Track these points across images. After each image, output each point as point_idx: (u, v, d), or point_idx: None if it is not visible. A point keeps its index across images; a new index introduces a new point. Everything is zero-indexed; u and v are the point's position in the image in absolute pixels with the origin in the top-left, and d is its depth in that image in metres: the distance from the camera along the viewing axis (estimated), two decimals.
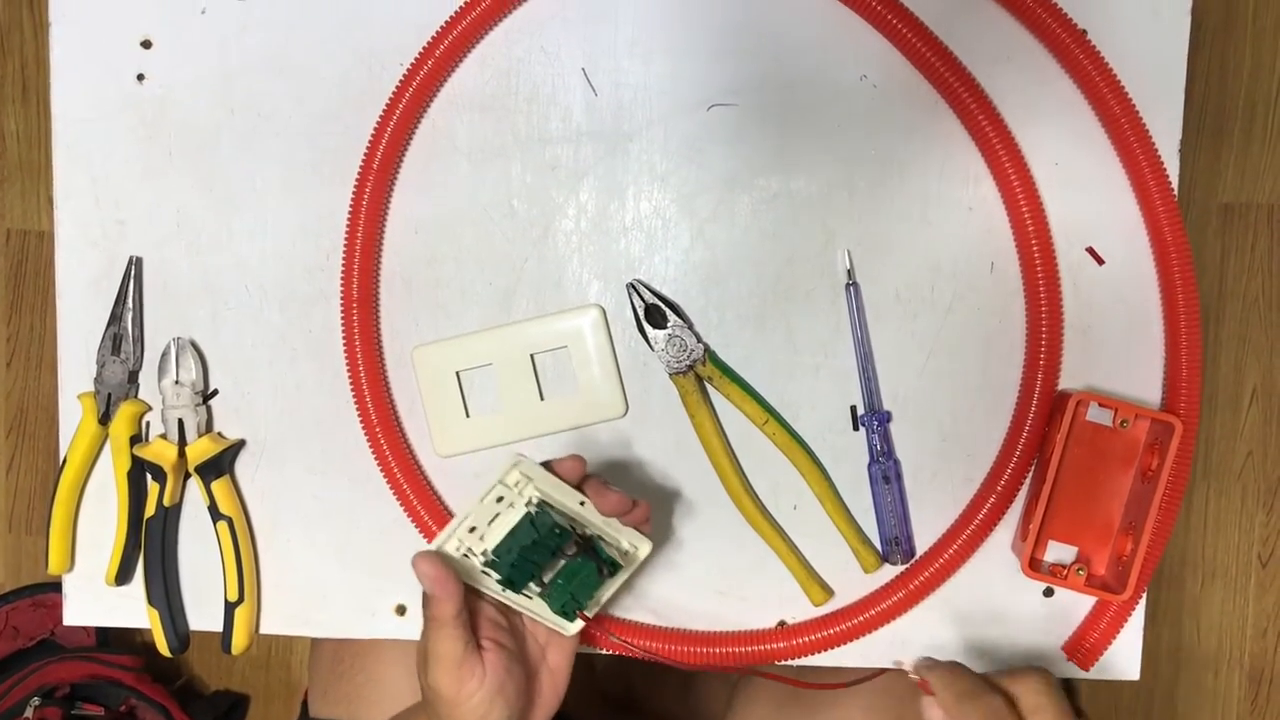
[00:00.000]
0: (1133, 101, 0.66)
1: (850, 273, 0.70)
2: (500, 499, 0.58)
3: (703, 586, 0.73)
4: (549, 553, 0.57)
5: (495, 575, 0.58)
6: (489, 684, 0.57)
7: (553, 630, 0.61)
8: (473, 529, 0.58)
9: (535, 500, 0.58)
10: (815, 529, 0.72)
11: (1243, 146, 1.40)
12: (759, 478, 0.72)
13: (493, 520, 0.58)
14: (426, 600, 0.57)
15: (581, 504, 0.59)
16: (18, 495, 1.54)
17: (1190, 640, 1.44)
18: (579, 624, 0.60)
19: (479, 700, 0.57)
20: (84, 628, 1.43)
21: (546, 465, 0.59)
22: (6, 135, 1.52)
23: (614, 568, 0.59)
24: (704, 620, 0.72)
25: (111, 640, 1.45)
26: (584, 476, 0.59)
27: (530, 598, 0.59)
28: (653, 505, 0.71)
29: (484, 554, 0.58)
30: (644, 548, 0.61)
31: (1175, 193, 0.66)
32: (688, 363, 0.70)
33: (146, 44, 0.74)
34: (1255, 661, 1.44)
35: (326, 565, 0.75)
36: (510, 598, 0.59)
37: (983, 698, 0.54)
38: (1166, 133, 0.68)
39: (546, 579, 0.59)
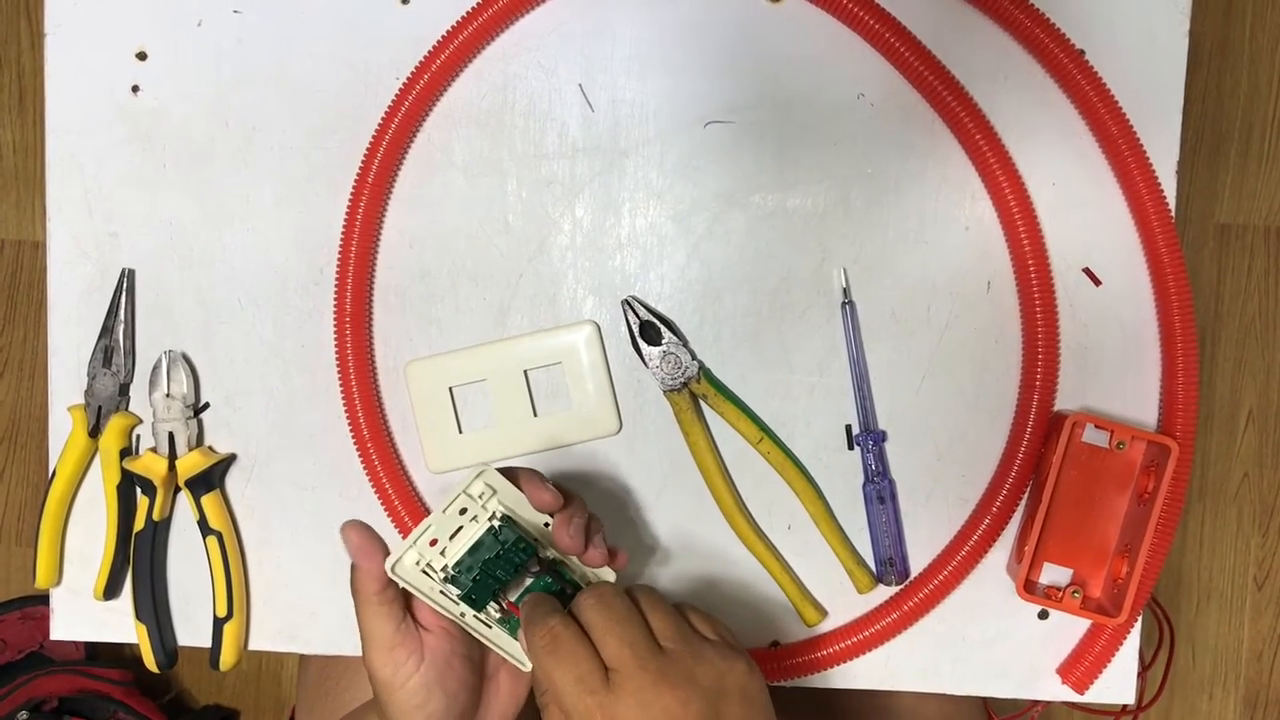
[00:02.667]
0: (1130, 122, 0.66)
1: (846, 291, 0.70)
2: (463, 511, 0.55)
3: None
4: (513, 569, 0.55)
5: (456, 591, 0.55)
6: (426, 670, 0.54)
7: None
8: (433, 542, 0.55)
9: (499, 514, 0.55)
10: (809, 549, 0.71)
11: (1239, 168, 1.41)
12: (753, 497, 0.71)
13: (455, 534, 0.55)
14: (352, 574, 0.54)
15: (546, 525, 0.56)
16: (8, 506, 1.54)
17: (1185, 663, 1.44)
18: None
19: (415, 686, 0.54)
20: (73, 641, 1.42)
21: (512, 476, 0.56)
22: (2, 146, 1.52)
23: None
24: None
25: (101, 654, 1.44)
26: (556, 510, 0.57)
27: (490, 625, 0.56)
28: (646, 523, 0.71)
29: (444, 570, 0.55)
30: (607, 578, 0.58)
31: (1173, 214, 0.66)
32: (682, 380, 0.70)
33: (142, 55, 0.73)
34: (1251, 685, 1.44)
35: (316, 581, 0.75)
36: (470, 623, 0.56)
37: (546, 616, 0.52)
38: (1164, 154, 0.68)
39: (506, 604, 0.56)
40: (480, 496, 0.55)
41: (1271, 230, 1.40)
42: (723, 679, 0.51)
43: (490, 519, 0.55)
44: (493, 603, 0.56)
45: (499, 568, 0.55)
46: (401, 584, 0.54)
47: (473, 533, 0.55)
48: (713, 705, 0.50)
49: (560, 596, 0.56)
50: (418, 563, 0.55)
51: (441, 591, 0.55)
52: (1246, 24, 1.40)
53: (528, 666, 0.56)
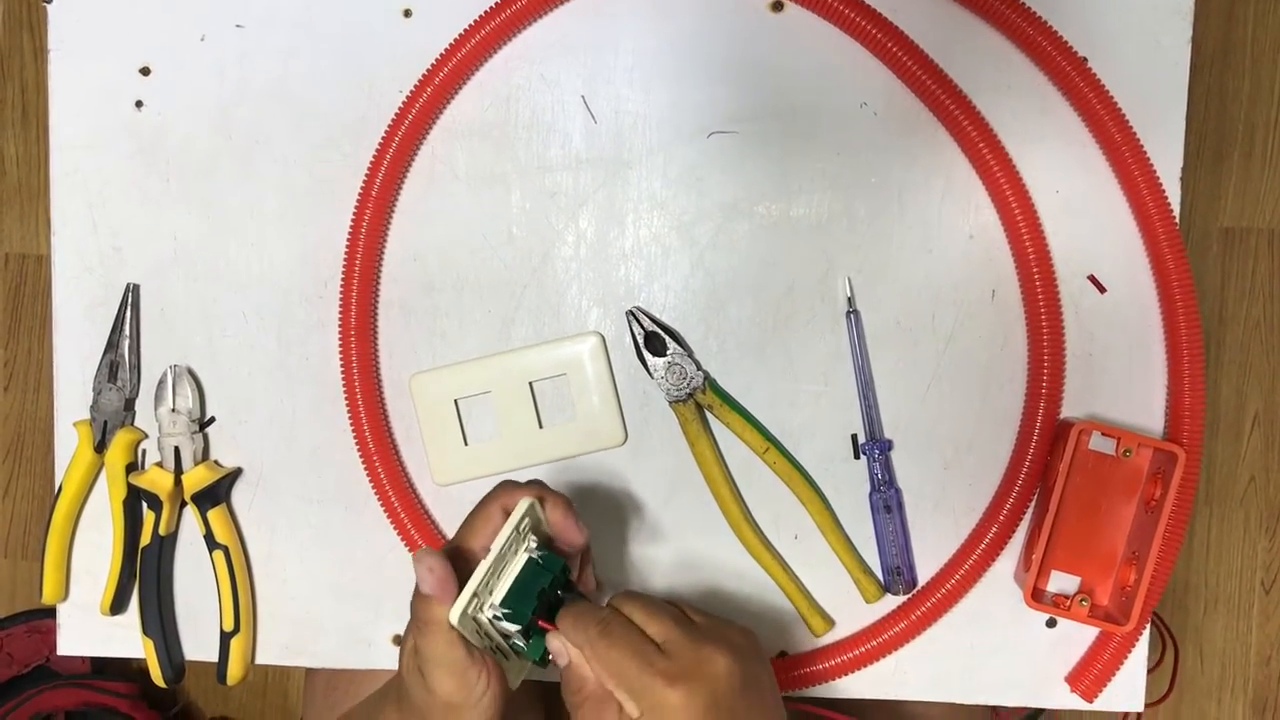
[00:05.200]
0: (1133, 129, 0.66)
1: (851, 300, 0.70)
2: (510, 545, 0.54)
3: None
4: (556, 590, 0.55)
5: (514, 626, 0.54)
6: (495, 688, 0.55)
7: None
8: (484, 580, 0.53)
9: (535, 545, 0.55)
10: (816, 558, 0.71)
11: (1242, 171, 1.40)
12: (759, 507, 0.71)
13: (501, 570, 0.55)
14: (422, 602, 0.54)
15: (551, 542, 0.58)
16: (14, 520, 1.54)
17: (1193, 668, 1.43)
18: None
19: (488, 702, 0.55)
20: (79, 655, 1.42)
21: (541, 500, 0.56)
22: (5, 159, 1.52)
23: None
24: None
25: (107, 667, 1.44)
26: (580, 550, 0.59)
27: (507, 657, 0.57)
28: (652, 534, 0.71)
29: (491, 607, 0.54)
30: None
31: (1177, 221, 0.66)
32: (687, 391, 0.69)
33: (145, 71, 0.74)
34: (1259, 690, 1.43)
35: (322, 595, 0.75)
36: (505, 654, 0.57)
37: (591, 611, 0.55)
38: (1168, 160, 0.67)
39: (540, 622, 0.55)
40: (523, 529, 0.55)
41: (1275, 233, 1.40)
42: (754, 644, 0.57)
43: (527, 549, 0.55)
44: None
45: (550, 594, 0.55)
46: (461, 632, 0.53)
47: (514, 566, 0.55)
48: (751, 665, 0.54)
49: None
50: (473, 607, 0.54)
51: (477, 630, 0.54)
52: (1248, 27, 1.40)
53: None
